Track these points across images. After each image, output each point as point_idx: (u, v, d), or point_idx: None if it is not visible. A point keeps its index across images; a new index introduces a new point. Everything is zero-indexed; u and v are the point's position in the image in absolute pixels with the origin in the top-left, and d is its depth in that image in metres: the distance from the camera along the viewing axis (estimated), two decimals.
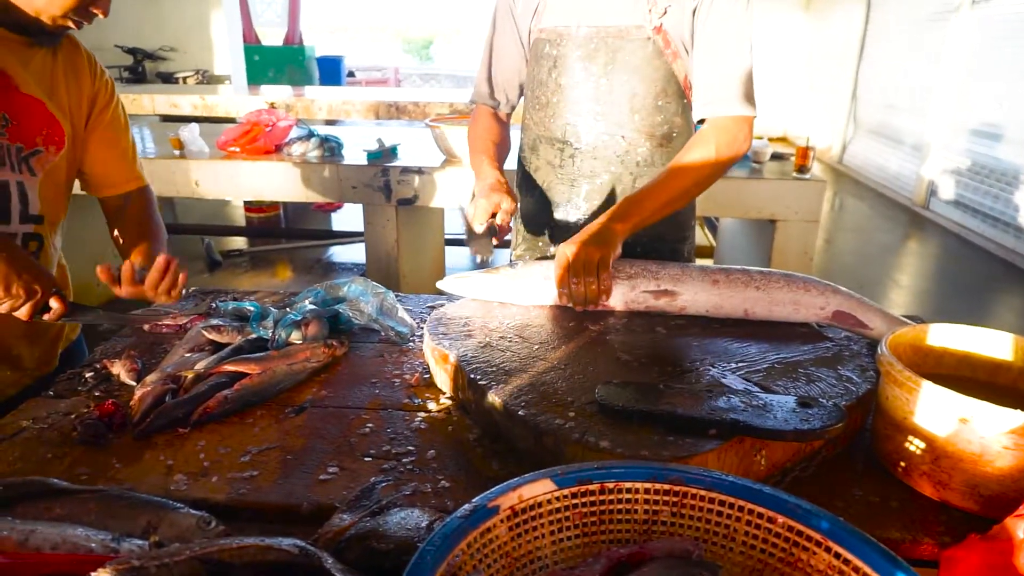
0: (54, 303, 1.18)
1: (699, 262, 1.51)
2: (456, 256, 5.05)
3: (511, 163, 1.67)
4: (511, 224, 1.38)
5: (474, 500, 0.65)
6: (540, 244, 1.61)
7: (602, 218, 1.29)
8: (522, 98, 1.62)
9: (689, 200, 1.38)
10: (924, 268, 5.32)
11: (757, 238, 3.48)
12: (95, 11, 1.19)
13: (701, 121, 1.40)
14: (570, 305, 1.27)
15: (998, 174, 5.45)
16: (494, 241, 1.37)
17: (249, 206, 5.59)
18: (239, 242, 5.31)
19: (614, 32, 1.39)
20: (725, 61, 1.34)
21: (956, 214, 5.90)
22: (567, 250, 1.22)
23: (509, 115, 1.66)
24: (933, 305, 4.49)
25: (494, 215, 1.34)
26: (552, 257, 1.29)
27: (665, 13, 1.37)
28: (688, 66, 1.41)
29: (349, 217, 5.78)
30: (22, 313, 1.15)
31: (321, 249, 5.22)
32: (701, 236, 4.61)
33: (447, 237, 4.28)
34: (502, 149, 1.57)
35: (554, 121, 1.49)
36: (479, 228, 1.32)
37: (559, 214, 1.55)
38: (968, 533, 0.74)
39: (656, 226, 1.43)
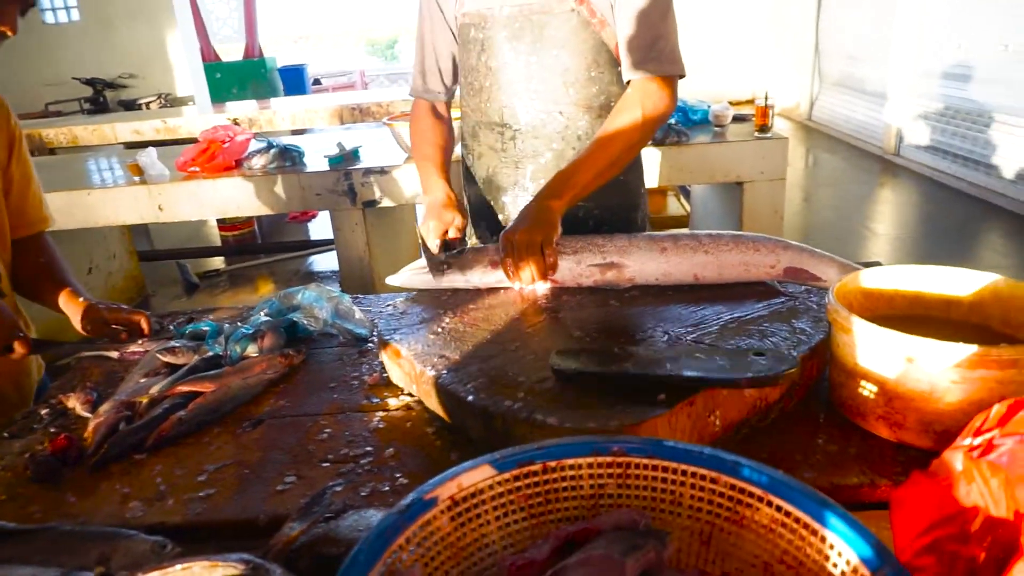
0: (17, 346, 1.19)
1: (674, 230, 1.50)
2: None
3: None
4: (464, 237, 1.39)
5: (410, 494, 0.64)
6: (491, 230, 1.60)
7: (538, 197, 1.28)
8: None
9: (623, 166, 1.37)
10: (901, 215, 5.33)
11: (728, 202, 3.47)
12: (1, 29, 1.13)
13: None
14: (519, 287, 1.26)
15: (964, 114, 5.46)
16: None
17: (222, 224, 5.53)
18: (217, 262, 5.25)
19: (537, 8, 1.38)
20: (646, 22, 1.33)
21: (927, 157, 5.92)
22: (509, 236, 1.22)
23: (449, 103, 1.64)
24: (913, 251, 4.50)
25: (447, 232, 1.34)
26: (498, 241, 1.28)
27: None
28: (617, 32, 1.40)
29: (326, 225, 5.72)
30: None
31: (300, 260, 5.18)
32: (676, 205, 4.59)
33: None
34: (447, 151, 1.56)
35: (490, 105, 1.48)
36: (434, 246, 1.33)
37: (507, 197, 1.54)
38: None
39: (605, 196, 1.42)
